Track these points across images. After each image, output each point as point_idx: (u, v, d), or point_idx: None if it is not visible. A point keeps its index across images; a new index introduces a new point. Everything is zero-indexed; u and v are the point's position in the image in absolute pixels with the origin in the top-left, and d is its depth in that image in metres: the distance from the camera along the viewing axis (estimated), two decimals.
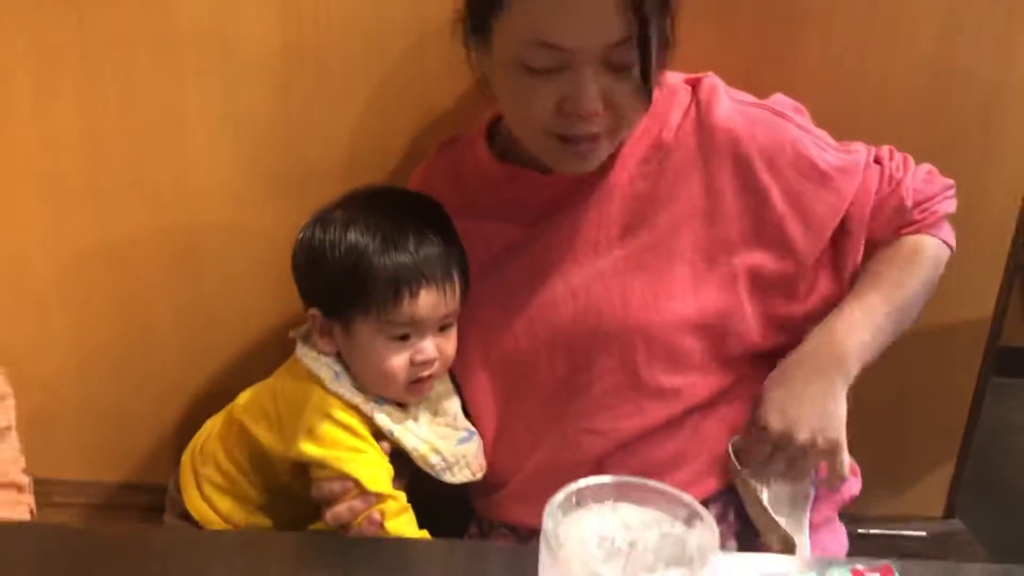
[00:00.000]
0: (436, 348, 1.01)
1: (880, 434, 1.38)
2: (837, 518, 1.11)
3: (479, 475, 1.07)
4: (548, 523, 0.59)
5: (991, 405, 1.40)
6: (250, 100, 1.25)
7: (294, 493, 1.05)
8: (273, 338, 1.31)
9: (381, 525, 0.98)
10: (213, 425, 1.13)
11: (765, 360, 1.03)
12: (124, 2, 1.21)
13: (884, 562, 0.84)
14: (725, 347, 1.03)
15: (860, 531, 1.34)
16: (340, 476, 0.98)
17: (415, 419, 1.04)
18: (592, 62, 0.90)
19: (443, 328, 1.02)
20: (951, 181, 1.08)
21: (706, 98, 1.02)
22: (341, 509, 0.98)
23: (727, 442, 1.01)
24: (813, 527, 1.03)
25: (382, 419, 1.01)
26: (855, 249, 1.04)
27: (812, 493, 1.01)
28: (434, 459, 1.02)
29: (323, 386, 1.01)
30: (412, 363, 1.00)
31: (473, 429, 1.07)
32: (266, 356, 1.29)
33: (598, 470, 0.98)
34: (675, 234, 1.01)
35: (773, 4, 1.19)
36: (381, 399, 1.02)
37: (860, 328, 0.98)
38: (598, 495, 0.63)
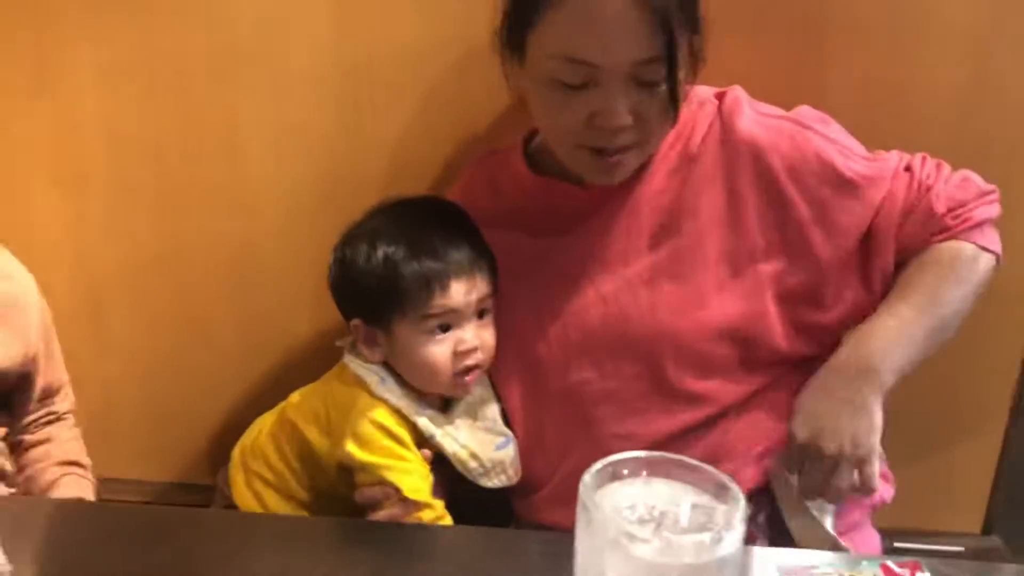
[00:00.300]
0: (476, 337, 1.04)
1: (916, 446, 1.37)
2: (869, 523, 1.11)
3: (515, 480, 1.09)
4: (584, 491, 0.62)
5: None
6: (302, 113, 1.29)
7: (339, 494, 1.08)
8: (323, 341, 1.33)
9: None
10: (264, 423, 1.16)
11: (796, 365, 1.05)
12: (185, 20, 1.26)
13: (913, 559, 0.85)
14: (752, 353, 1.03)
15: (896, 544, 1.33)
16: (381, 483, 1.02)
17: (456, 425, 1.07)
18: (622, 78, 0.93)
19: (481, 315, 1.05)
20: (991, 186, 1.05)
21: (729, 110, 1.04)
22: (382, 515, 1.02)
23: (771, 457, 1.01)
24: (844, 531, 1.02)
25: (424, 423, 1.04)
26: (883, 257, 1.03)
27: (836, 505, 0.99)
28: (472, 464, 1.06)
29: (369, 391, 1.04)
30: (455, 353, 1.03)
31: (510, 435, 1.10)
32: (316, 359, 1.31)
33: None
34: (701, 242, 1.03)
35: (804, 17, 1.20)
36: (424, 404, 1.06)
37: (893, 337, 0.97)
38: (632, 469, 0.66)
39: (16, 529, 0.85)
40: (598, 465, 0.64)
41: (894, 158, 1.06)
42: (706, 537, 0.60)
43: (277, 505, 1.11)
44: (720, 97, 1.06)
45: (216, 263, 1.37)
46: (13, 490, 1.17)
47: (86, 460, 1.25)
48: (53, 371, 1.23)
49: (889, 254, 1.03)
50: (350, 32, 1.25)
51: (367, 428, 1.03)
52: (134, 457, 1.47)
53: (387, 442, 1.03)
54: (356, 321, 1.06)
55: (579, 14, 0.91)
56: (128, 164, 1.34)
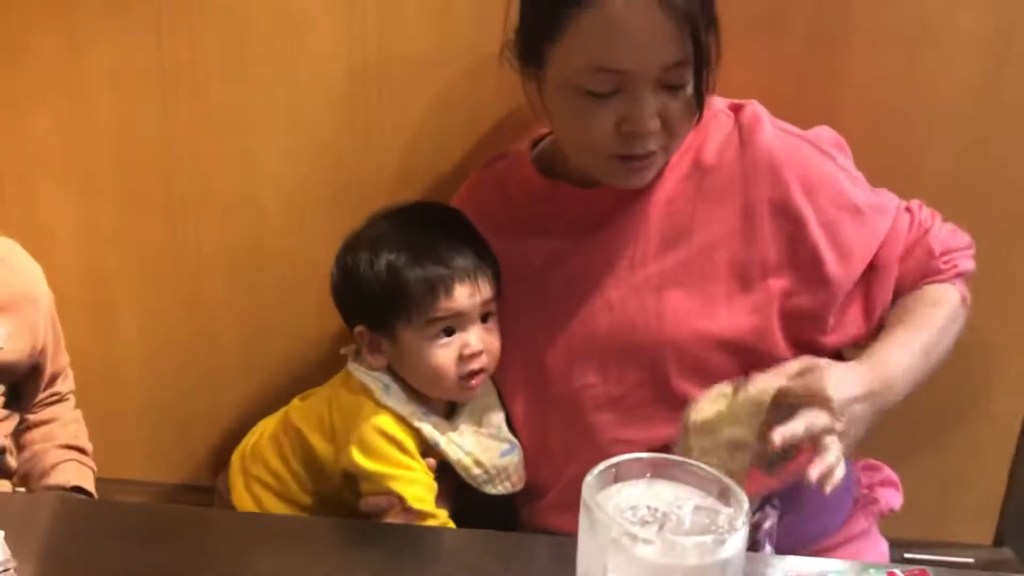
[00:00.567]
0: (481, 340, 1.04)
1: (927, 456, 1.36)
2: (876, 530, 1.11)
3: (519, 486, 1.09)
4: (587, 492, 0.62)
5: None
6: (313, 118, 1.29)
7: (343, 501, 1.08)
8: (327, 345, 1.33)
9: None
10: (265, 427, 1.16)
11: None
12: (199, 26, 1.27)
13: (920, 567, 0.84)
14: (755, 365, 1.00)
15: (906, 555, 1.32)
16: (386, 492, 1.02)
17: (460, 432, 1.07)
18: (650, 82, 0.93)
19: (485, 319, 1.05)
20: (971, 240, 1.09)
21: (749, 124, 1.04)
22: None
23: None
24: (851, 538, 1.03)
25: (428, 430, 1.04)
26: (884, 290, 1.04)
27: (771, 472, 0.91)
28: (476, 471, 1.06)
29: (374, 398, 1.04)
30: (461, 358, 1.03)
31: (515, 441, 1.10)
32: (320, 363, 1.33)
33: None
34: (711, 253, 1.03)
35: (820, 28, 1.20)
36: (429, 411, 1.06)
37: (898, 358, 0.97)
38: (635, 471, 0.66)
39: (20, 526, 0.86)
40: (601, 466, 0.65)
41: (895, 198, 1.09)
42: (709, 539, 0.60)
43: (276, 509, 1.11)
44: (735, 109, 1.07)
45: (224, 265, 1.38)
46: (21, 489, 1.18)
47: (87, 445, 1.27)
48: (59, 358, 1.24)
49: (890, 287, 1.05)
50: (361, 37, 1.25)
51: (372, 436, 1.03)
52: (139, 458, 1.47)
53: (392, 451, 1.03)
54: (360, 328, 1.06)
55: (606, 24, 0.91)
56: (138, 166, 1.34)
